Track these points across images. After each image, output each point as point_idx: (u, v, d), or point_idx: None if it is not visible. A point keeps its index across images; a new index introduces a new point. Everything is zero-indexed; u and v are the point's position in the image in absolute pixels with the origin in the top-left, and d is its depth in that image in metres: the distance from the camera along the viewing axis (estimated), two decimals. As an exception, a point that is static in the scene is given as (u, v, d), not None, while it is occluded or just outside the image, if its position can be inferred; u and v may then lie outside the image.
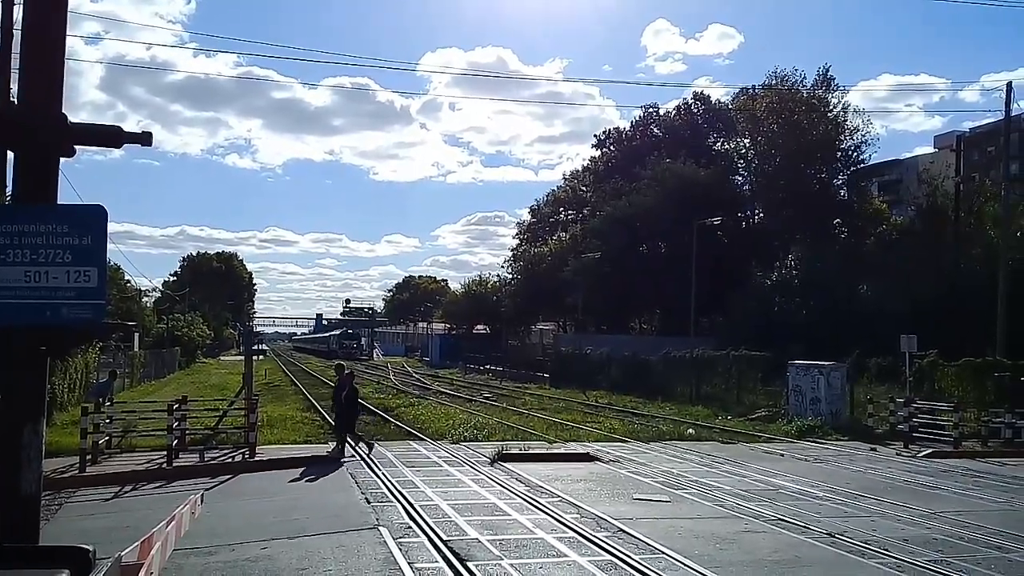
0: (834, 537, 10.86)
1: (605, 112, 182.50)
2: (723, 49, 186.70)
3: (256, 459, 17.35)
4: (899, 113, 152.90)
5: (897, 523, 12.00)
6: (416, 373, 62.45)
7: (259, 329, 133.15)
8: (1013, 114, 34.22)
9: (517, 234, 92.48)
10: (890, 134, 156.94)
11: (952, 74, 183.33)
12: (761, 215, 61.59)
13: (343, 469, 16.51)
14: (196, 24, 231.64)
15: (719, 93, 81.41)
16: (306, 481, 15.59)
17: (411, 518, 11.69)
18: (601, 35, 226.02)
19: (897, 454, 20.61)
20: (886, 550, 10.18)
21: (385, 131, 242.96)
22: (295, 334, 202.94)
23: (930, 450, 20.71)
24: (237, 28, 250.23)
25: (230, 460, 17.36)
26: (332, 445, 18.54)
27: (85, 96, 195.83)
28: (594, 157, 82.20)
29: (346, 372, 20.08)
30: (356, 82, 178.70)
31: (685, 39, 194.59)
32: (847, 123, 54.15)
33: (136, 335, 48.76)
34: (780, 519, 12.03)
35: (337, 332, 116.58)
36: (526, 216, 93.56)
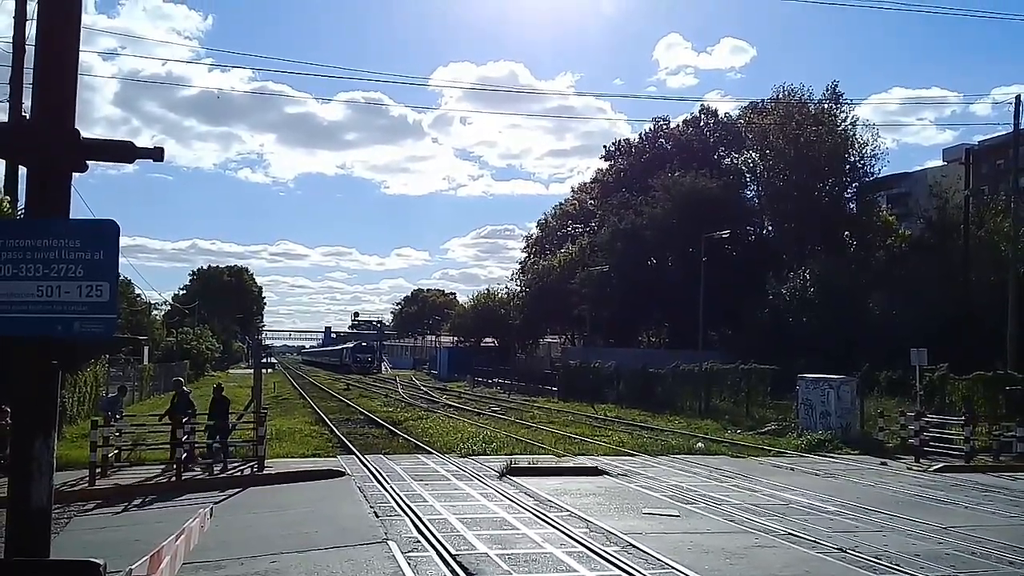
0: (845, 552, 10.79)
1: (616, 126, 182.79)
2: (735, 63, 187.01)
3: (265, 472, 17.36)
4: (911, 127, 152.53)
5: (908, 538, 11.92)
6: (424, 386, 62.42)
7: (268, 342, 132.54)
8: (1022, 127, 34.12)
9: (525, 247, 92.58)
10: (901, 148, 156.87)
11: (964, 87, 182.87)
12: (770, 228, 61.50)
13: (351, 483, 16.50)
14: (212, 40, 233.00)
15: (730, 107, 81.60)
16: (315, 494, 15.59)
17: (420, 532, 11.68)
18: (613, 49, 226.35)
19: (908, 468, 20.48)
20: (897, 565, 10.11)
21: (397, 145, 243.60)
22: (304, 347, 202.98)
23: (941, 464, 20.56)
24: (253, 44, 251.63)
25: (239, 473, 17.39)
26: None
27: (100, 111, 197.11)
28: (602, 169, 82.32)
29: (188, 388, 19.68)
30: (369, 97, 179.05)
31: (697, 53, 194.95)
32: (856, 137, 54.13)
33: (146, 348, 48.88)
34: (790, 534, 11.96)
35: (351, 345, 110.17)
36: (535, 230, 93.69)
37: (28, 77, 18.98)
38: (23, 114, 18.01)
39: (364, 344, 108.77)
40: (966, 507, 15.06)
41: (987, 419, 24.65)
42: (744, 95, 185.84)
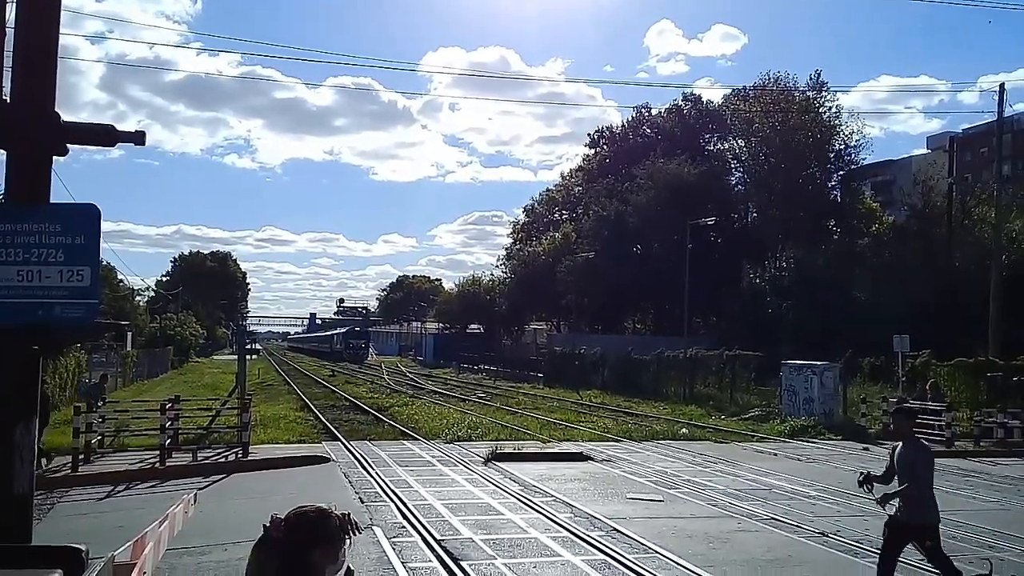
0: (827, 536, 10.89)
1: (607, 113, 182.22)
2: (726, 50, 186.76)
3: (249, 459, 17.33)
4: (899, 115, 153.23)
5: (889, 522, 12.00)
6: (410, 372, 62.36)
7: (252, 328, 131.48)
8: (1006, 115, 34.34)
9: (511, 233, 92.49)
10: (889, 136, 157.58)
11: (952, 76, 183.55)
12: (755, 215, 61.71)
13: (336, 469, 16.50)
14: (201, 24, 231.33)
15: (720, 95, 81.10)
16: (300, 480, 15.57)
17: (405, 517, 11.70)
18: (604, 36, 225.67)
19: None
20: (878, 549, 10.18)
21: (386, 131, 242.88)
22: (288, 334, 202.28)
23: (922, 450, 20.71)
24: (242, 28, 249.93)
25: (223, 460, 17.32)
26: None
27: (86, 96, 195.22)
28: (588, 156, 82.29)
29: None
30: (358, 82, 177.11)
31: (688, 40, 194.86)
32: (841, 126, 54.34)
33: (129, 334, 48.56)
34: (773, 518, 12.05)
35: (342, 330, 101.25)
36: (522, 216, 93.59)
37: (8, 60, 18.77)
38: (3, 98, 17.82)
39: (358, 329, 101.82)
40: (947, 492, 15.14)
41: (968, 405, 24.88)
42: (735, 83, 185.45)
